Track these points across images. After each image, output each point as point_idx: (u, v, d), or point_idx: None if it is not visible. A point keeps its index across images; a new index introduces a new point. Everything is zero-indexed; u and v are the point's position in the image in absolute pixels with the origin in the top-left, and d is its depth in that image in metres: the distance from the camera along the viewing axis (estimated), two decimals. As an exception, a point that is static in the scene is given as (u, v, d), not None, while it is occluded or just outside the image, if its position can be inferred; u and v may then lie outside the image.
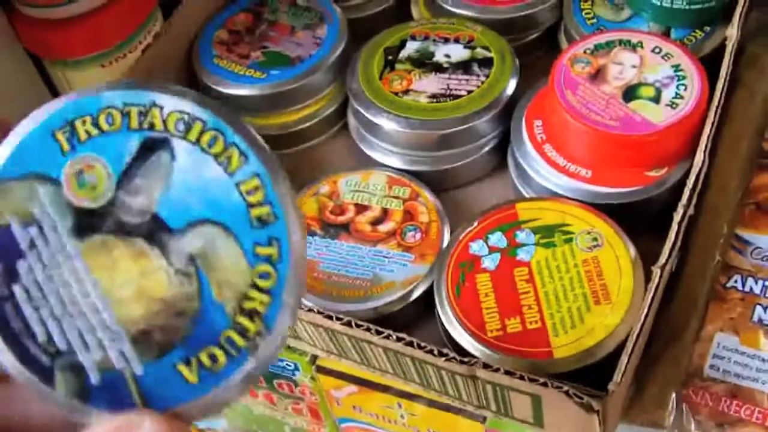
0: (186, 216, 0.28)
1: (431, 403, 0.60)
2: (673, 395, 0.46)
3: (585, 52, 0.52)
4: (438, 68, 0.57)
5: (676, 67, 0.51)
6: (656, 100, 0.49)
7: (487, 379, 0.43)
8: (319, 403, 0.69)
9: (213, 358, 0.28)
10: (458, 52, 0.58)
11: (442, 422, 0.61)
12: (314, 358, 0.62)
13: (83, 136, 0.29)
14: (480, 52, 0.57)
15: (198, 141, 0.28)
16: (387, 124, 0.55)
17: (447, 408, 0.59)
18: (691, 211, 0.46)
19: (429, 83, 0.56)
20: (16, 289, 0.28)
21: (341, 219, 0.53)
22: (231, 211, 0.28)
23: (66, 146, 0.29)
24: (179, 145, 0.28)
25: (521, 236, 0.48)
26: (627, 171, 0.50)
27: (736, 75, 0.55)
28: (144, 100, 0.29)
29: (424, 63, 0.57)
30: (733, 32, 0.52)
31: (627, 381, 0.42)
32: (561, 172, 0.50)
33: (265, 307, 0.28)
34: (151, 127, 0.29)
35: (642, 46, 0.52)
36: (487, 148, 0.55)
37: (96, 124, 0.29)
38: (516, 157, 0.53)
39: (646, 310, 0.42)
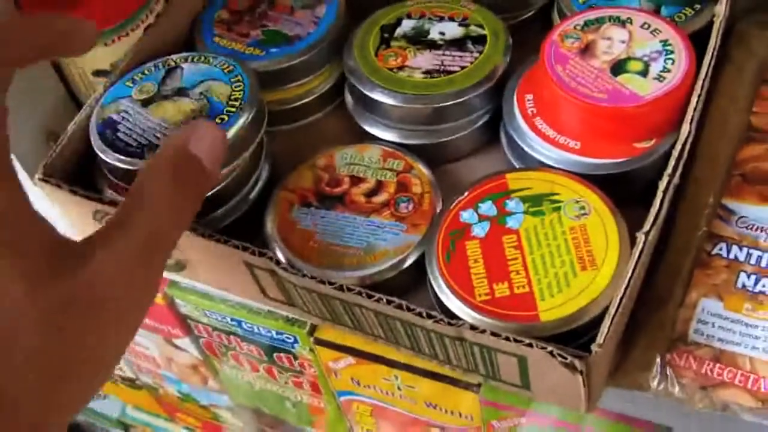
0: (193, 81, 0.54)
1: (427, 375, 0.61)
2: (658, 359, 0.47)
3: (575, 27, 0.53)
4: (432, 45, 0.58)
5: (665, 42, 0.52)
6: (644, 73, 0.50)
7: (474, 340, 0.44)
8: (319, 376, 0.70)
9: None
10: (452, 30, 0.59)
11: (438, 393, 0.63)
12: (312, 329, 0.64)
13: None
14: (474, 30, 0.58)
15: None
16: (382, 99, 0.56)
17: (442, 379, 0.61)
18: (676, 180, 0.47)
19: (424, 60, 0.57)
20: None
21: (337, 190, 0.54)
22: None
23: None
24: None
25: (511, 205, 0.49)
26: (615, 143, 0.51)
27: (726, 52, 0.56)
28: None
29: (419, 40, 0.59)
30: (720, 9, 0.53)
31: (611, 344, 0.43)
32: (551, 144, 0.52)
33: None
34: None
35: (631, 22, 0.53)
36: (479, 123, 0.56)
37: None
38: (507, 130, 0.54)
39: (629, 274, 0.43)
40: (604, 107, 0.49)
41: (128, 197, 0.40)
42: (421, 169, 0.54)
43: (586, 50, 0.52)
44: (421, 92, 0.55)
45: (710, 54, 0.50)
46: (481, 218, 0.49)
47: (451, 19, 0.60)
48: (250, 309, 0.66)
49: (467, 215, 0.49)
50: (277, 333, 0.66)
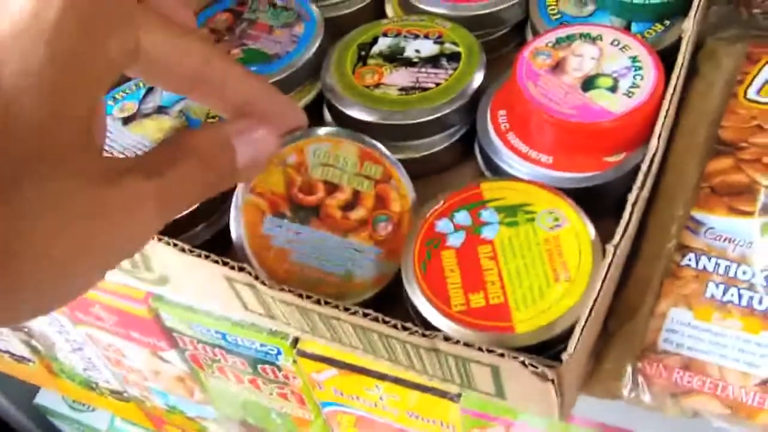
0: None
1: (409, 385, 0.62)
2: (629, 368, 0.48)
3: (546, 45, 0.55)
4: (408, 63, 0.59)
5: (634, 59, 0.53)
6: (613, 89, 0.52)
7: (448, 351, 0.45)
8: (303, 387, 0.71)
9: None
10: (428, 48, 0.60)
11: (421, 404, 0.63)
12: (295, 341, 0.65)
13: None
14: (449, 48, 0.60)
15: None
16: (359, 116, 0.57)
17: (424, 389, 0.61)
18: (645, 193, 0.48)
19: (399, 77, 0.58)
20: None
21: (310, 199, 0.54)
22: None
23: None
24: None
25: (485, 215, 0.50)
26: (586, 157, 0.52)
27: (695, 67, 0.58)
28: None
29: (395, 58, 0.60)
30: (688, 25, 0.54)
31: (583, 353, 0.45)
32: (523, 158, 0.53)
33: None
34: None
35: (601, 39, 0.54)
36: (455, 138, 0.57)
37: None
38: (481, 145, 0.55)
39: (599, 286, 0.44)
40: (574, 123, 0.51)
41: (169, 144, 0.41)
42: (401, 178, 0.55)
43: (557, 67, 0.53)
44: (396, 109, 0.56)
45: (678, 70, 0.52)
46: (457, 228, 0.50)
47: (426, 36, 0.61)
48: (233, 322, 0.67)
49: (443, 225, 0.50)
50: (261, 345, 0.67)
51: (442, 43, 0.60)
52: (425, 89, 0.57)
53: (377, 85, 0.58)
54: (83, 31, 0.34)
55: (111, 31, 0.36)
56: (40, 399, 1.23)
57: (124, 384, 0.95)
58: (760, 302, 0.48)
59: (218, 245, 0.51)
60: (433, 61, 0.59)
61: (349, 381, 0.65)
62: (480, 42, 0.60)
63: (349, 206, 0.54)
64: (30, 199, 0.32)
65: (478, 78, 0.58)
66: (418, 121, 0.56)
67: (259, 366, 0.71)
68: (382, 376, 0.63)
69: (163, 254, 0.51)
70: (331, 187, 0.54)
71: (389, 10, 0.68)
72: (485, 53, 0.59)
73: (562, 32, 0.55)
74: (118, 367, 0.90)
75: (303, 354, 0.65)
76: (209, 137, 0.42)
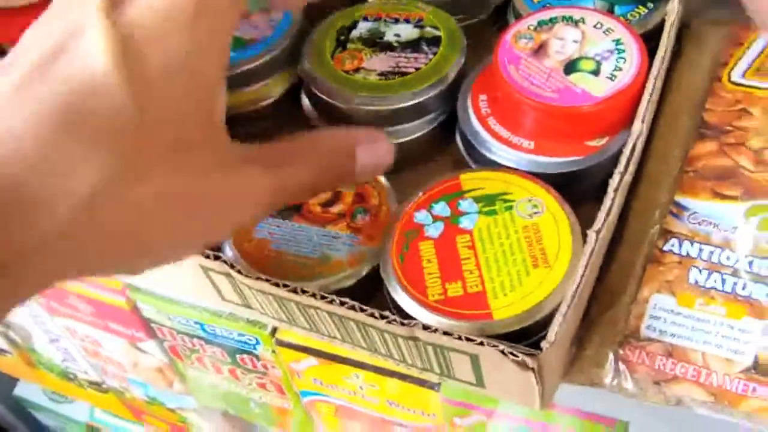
0: None
1: (389, 374, 0.61)
2: (611, 355, 0.47)
3: (528, 28, 0.54)
4: (388, 47, 0.58)
5: (617, 41, 0.52)
6: (596, 72, 0.51)
7: (427, 340, 0.44)
8: (282, 377, 0.70)
9: None
10: (407, 32, 0.59)
11: (400, 392, 0.63)
12: (274, 330, 0.64)
13: None
14: (429, 31, 0.59)
15: None
16: (338, 101, 0.56)
17: (404, 378, 0.61)
18: (628, 178, 0.47)
19: (379, 62, 0.57)
20: None
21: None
22: None
23: None
24: None
25: (464, 205, 0.49)
26: (568, 142, 0.51)
27: (680, 49, 0.57)
28: None
29: (375, 42, 0.59)
30: (672, 7, 0.53)
31: (564, 341, 0.44)
32: (505, 144, 0.52)
33: None
34: None
35: (584, 22, 0.53)
36: (436, 123, 0.56)
37: None
38: (462, 130, 0.54)
39: (581, 272, 0.44)
40: (556, 107, 0.50)
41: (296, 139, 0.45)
42: (380, 178, 0.54)
43: (539, 50, 0.52)
44: (376, 94, 0.55)
45: (662, 52, 0.51)
46: (435, 219, 0.49)
47: (407, 20, 0.60)
48: (211, 312, 0.66)
49: (421, 216, 0.49)
50: (239, 335, 0.66)
51: (422, 27, 0.59)
52: (405, 74, 0.56)
53: (357, 70, 0.57)
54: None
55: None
56: (20, 391, 1.22)
57: (103, 375, 0.95)
58: (744, 288, 0.47)
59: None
60: (413, 45, 0.58)
61: (328, 370, 0.64)
62: (461, 26, 0.59)
63: (329, 203, 0.54)
64: (157, 185, 0.37)
65: (458, 62, 0.57)
66: (399, 106, 0.55)
67: (237, 356, 0.70)
68: (361, 365, 0.62)
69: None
70: None
71: (371, -6, 0.66)
72: (467, 37, 0.58)
73: (544, 15, 0.54)
74: (96, 358, 0.89)
75: (281, 343, 0.64)
76: (335, 143, 0.45)
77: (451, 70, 0.56)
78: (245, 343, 0.67)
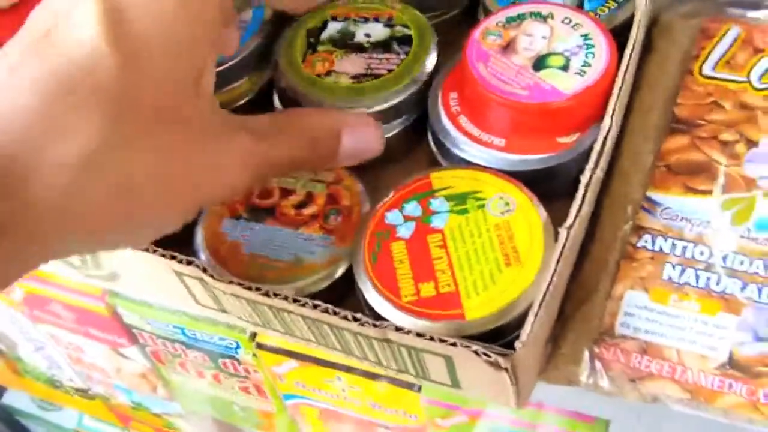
0: None
1: (369, 376, 0.61)
2: (586, 353, 0.47)
3: (497, 25, 0.53)
4: (359, 48, 0.58)
5: (585, 36, 0.52)
6: (565, 68, 0.51)
7: (400, 342, 0.44)
8: (264, 380, 0.70)
9: None
10: (378, 31, 0.58)
11: (382, 394, 0.63)
12: (254, 334, 0.64)
13: None
14: (399, 30, 0.58)
15: None
16: (310, 105, 0.55)
17: (386, 380, 0.60)
18: (599, 174, 0.47)
19: (350, 64, 0.57)
20: None
21: (266, 203, 0.54)
22: None
23: None
24: None
25: (435, 204, 0.49)
26: (539, 139, 0.51)
27: (650, 43, 0.57)
28: None
29: (346, 43, 0.58)
30: (641, 1, 0.53)
31: (537, 340, 0.44)
32: (475, 142, 0.52)
33: None
34: None
35: (552, 17, 0.53)
36: (408, 123, 0.56)
37: None
38: (434, 129, 0.54)
39: (552, 270, 0.43)
40: (525, 104, 0.50)
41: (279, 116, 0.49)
42: (352, 180, 0.54)
43: (508, 47, 0.52)
44: (349, 98, 0.55)
45: (631, 47, 0.51)
46: (407, 219, 0.49)
47: (377, 19, 0.59)
48: (191, 316, 0.66)
49: (392, 216, 0.49)
50: (220, 339, 0.66)
51: (392, 26, 0.59)
52: (377, 76, 0.56)
53: (328, 73, 0.56)
54: None
55: None
56: (8, 399, 1.21)
57: (88, 382, 0.94)
58: (718, 283, 0.47)
59: (171, 242, 0.49)
60: (384, 45, 0.58)
61: (309, 373, 0.64)
62: (432, 23, 0.59)
63: (301, 204, 0.54)
64: (147, 148, 0.38)
65: (430, 62, 0.56)
66: (372, 110, 0.54)
67: (219, 360, 0.70)
68: (343, 368, 0.62)
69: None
70: (286, 192, 0.54)
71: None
72: (439, 34, 0.58)
73: (513, 11, 0.54)
74: (80, 365, 0.89)
75: (262, 347, 0.64)
76: (321, 122, 0.47)
77: (423, 71, 0.56)
78: (226, 347, 0.67)
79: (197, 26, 0.39)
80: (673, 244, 0.49)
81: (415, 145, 0.57)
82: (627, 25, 0.54)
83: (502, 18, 0.54)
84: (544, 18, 0.53)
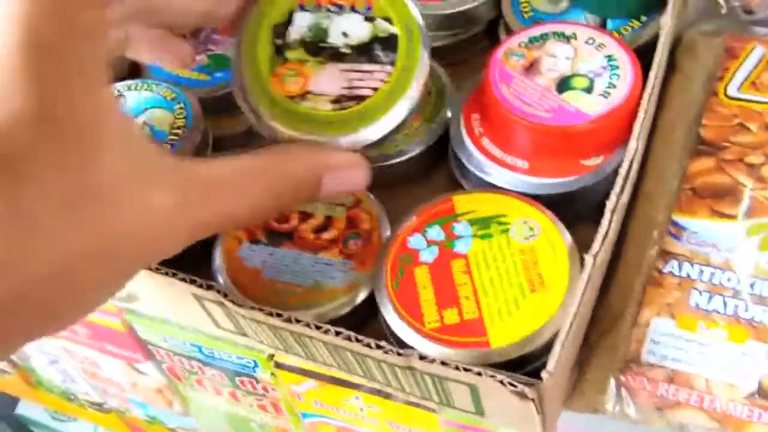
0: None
1: (388, 396, 0.60)
2: (612, 381, 0.46)
3: (519, 45, 0.53)
4: (336, 55, 0.47)
5: (609, 57, 0.51)
6: (589, 90, 0.50)
7: (424, 370, 0.44)
8: (282, 398, 0.70)
9: None
10: (357, 29, 0.48)
11: (400, 414, 0.62)
12: (272, 354, 0.63)
13: None
14: (382, 27, 0.48)
15: None
16: (283, 137, 0.46)
17: (404, 400, 0.60)
18: (624, 199, 0.46)
19: (328, 80, 0.47)
20: None
21: (285, 227, 0.53)
22: None
23: None
24: None
25: (458, 228, 0.49)
26: (563, 161, 0.50)
27: (674, 62, 0.56)
28: None
29: (319, 48, 0.48)
30: (666, 20, 0.52)
31: (564, 369, 0.43)
32: (498, 164, 0.51)
33: None
34: None
35: (576, 38, 0.53)
36: (426, 145, 0.55)
37: None
38: (455, 151, 0.53)
39: (579, 299, 0.43)
40: (549, 126, 0.49)
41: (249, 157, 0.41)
42: (371, 203, 0.53)
43: (531, 68, 0.52)
44: (333, 133, 0.45)
45: (656, 68, 0.50)
46: (429, 243, 0.48)
47: (353, 9, 0.49)
48: (208, 334, 0.65)
49: (415, 241, 0.49)
50: (238, 358, 0.66)
51: (372, 19, 0.48)
52: (362, 97, 0.46)
53: (303, 95, 0.46)
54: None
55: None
56: (22, 409, 1.21)
57: (104, 395, 0.94)
58: (746, 310, 0.47)
59: (187, 261, 0.48)
60: (366, 52, 0.47)
61: (328, 392, 0.64)
62: (452, 42, 0.58)
63: (321, 229, 0.53)
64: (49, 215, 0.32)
65: (422, 72, 0.47)
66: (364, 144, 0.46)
67: (237, 378, 0.69)
68: (360, 387, 0.61)
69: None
70: (305, 215, 0.53)
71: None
72: (459, 52, 0.57)
73: (536, 31, 0.53)
74: (96, 380, 0.89)
75: (280, 366, 0.63)
76: (298, 169, 0.42)
77: (412, 94, 0.46)
78: (244, 366, 0.66)
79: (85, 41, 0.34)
80: (701, 270, 0.48)
81: (434, 163, 0.57)
82: (651, 44, 0.53)
83: (524, 38, 0.53)
84: (567, 38, 0.53)
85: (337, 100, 0.46)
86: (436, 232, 0.49)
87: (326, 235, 0.52)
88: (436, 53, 0.56)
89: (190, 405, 0.82)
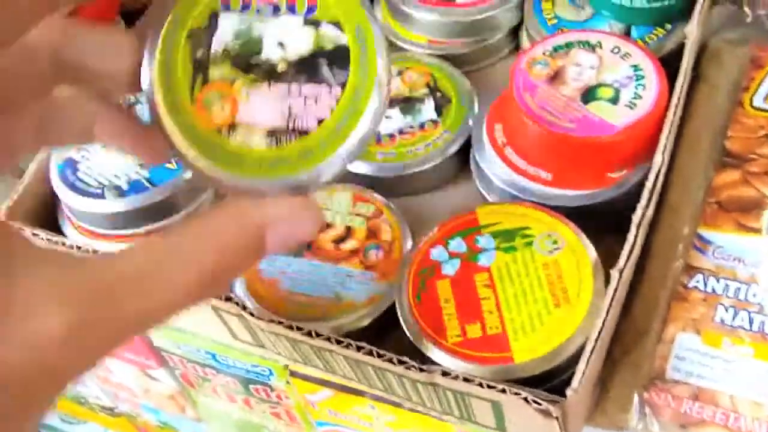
0: None
1: (404, 407, 0.60)
2: (636, 398, 0.46)
3: (544, 54, 0.52)
4: (271, 73, 0.36)
5: (635, 67, 0.50)
6: (614, 101, 0.49)
7: (447, 386, 0.43)
8: (296, 407, 0.69)
9: None
10: (296, 38, 0.37)
11: (417, 424, 0.61)
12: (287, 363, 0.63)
13: None
14: (328, 36, 0.37)
15: None
16: (208, 183, 0.40)
17: (419, 411, 0.59)
18: (650, 212, 0.46)
19: (262, 105, 0.36)
20: None
21: None
22: None
23: None
24: None
25: (482, 241, 0.48)
26: (587, 173, 0.50)
27: (698, 71, 0.55)
28: None
29: (250, 63, 0.36)
30: (692, 29, 0.52)
31: (588, 385, 0.42)
32: (522, 175, 0.50)
33: None
34: None
35: (601, 47, 0.52)
36: (448, 154, 0.55)
37: None
38: (477, 161, 0.53)
39: (604, 315, 0.42)
40: (573, 137, 0.48)
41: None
42: (391, 214, 0.53)
43: (556, 77, 0.51)
44: (268, 176, 0.35)
45: (682, 77, 0.49)
46: (452, 256, 0.48)
47: (291, 9, 0.37)
48: (222, 342, 0.65)
49: (437, 253, 0.48)
50: (252, 366, 0.65)
51: (316, 24, 0.37)
52: (304, 132, 0.35)
53: (232, 127, 0.36)
54: None
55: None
56: (31, 411, 1.20)
57: (115, 400, 0.94)
58: (773, 326, 0.46)
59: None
60: (308, 69, 0.36)
61: (343, 401, 0.63)
62: (473, 50, 0.57)
63: (341, 239, 0.52)
64: None
65: (378, 97, 0.36)
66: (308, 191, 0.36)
67: (251, 386, 0.69)
68: (377, 398, 0.61)
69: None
70: (325, 226, 0.52)
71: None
72: (478, 60, 0.56)
73: (560, 39, 0.53)
74: (107, 385, 0.88)
75: (295, 375, 0.63)
76: (237, 235, 0.33)
77: (371, 112, 0.36)
78: (258, 374, 0.66)
79: None
80: (726, 285, 0.47)
81: (458, 175, 0.56)
82: (675, 53, 0.53)
83: (549, 46, 0.52)
84: (592, 47, 0.52)
85: (273, 134, 0.36)
86: (458, 244, 0.48)
87: (346, 246, 0.52)
88: (458, 60, 0.56)
89: (204, 411, 0.82)
